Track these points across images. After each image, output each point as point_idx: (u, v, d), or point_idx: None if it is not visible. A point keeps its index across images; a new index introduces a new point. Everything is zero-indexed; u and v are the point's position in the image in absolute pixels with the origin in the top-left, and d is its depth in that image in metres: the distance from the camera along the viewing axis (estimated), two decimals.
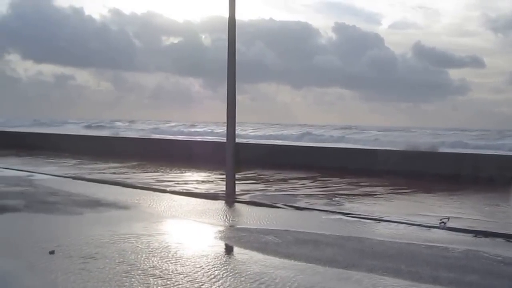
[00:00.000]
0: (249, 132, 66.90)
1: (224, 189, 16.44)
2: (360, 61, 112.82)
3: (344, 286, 7.75)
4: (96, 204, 14.30)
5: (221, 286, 7.45)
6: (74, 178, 20.16)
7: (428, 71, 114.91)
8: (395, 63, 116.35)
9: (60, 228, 11.16)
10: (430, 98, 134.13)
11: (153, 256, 8.94)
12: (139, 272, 7.97)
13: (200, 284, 7.50)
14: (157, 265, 8.40)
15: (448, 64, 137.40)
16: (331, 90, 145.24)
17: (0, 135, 42.30)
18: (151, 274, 7.87)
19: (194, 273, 8.02)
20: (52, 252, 8.90)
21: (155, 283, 7.47)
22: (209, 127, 72.92)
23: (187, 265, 8.45)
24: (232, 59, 15.70)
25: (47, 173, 21.24)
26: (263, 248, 9.84)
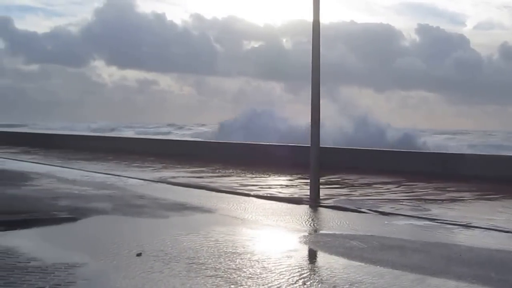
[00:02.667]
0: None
1: (308, 193, 16.33)
2: (444, 63, 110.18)
3: None
4: (181, 207, 14.48)
5: None
6: (159, 181, 20.53)
7: None
8: (481, 65, 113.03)
9: (147, 231, 11.33)
10: None
11: (236, 259, 8.96)
12: (222, 273, 7.99)
13: None
14: (242, 268, 8.40)
15: None
16: (415, 93, 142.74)
17: (84, 139, 43.69)
18: (234, 277, 7.87)
19: (279, 278, 7.97)
20: (139, 254, 9.04)
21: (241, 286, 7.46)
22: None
23: (271, 270, 8.40)
24: (316, 62, 15.61)
25: (133, 177, 21.70)
26: (348, 253, 9.69)
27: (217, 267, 8.44)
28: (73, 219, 12.28)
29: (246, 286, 7.50)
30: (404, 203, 15.76)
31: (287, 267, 8.58)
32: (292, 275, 8.11)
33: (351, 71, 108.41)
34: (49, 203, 14.24)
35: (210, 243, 10.13)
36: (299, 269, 8.50)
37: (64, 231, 11.34)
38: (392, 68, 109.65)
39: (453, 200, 16.69)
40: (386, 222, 13.09)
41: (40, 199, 14.97)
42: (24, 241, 10.00)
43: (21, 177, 20.83)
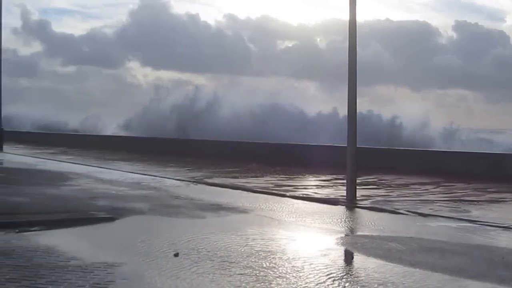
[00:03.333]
0: None
1: (345, 194, 16.22)
2: (483, 60, 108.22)
3: None
4: (217, 208, 14.50)
5: None
6: (195, 182, 20.61)
7: None
8: None
9: (184, 231, 11.35)
10: None
11: (272, 259, 8.92)
12: (260, 273, 7.96)
13: None
14: (274, 267, 8.37)
15: None
16: (453, 92, 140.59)
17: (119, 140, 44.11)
18: (270, 277, 7.84)
19: (315, 279, 7.91)
20: (176, 255, 9.06)
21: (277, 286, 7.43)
22: None
23: (307, 271, 8.35)
24: (353, 62, 15.51)
25: (169, 177, 21.82)
26: (386, 255, 9.58)
27: (251, 266, 8.42)
28: (111, 219, 12.37)
29: (275, 284, 7.47)
30: (443, 204, 15.57)
31: (323, 268, 8.51)
32: (328, 277, 8.04)
33: (387, 69, 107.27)
34: (87, 203, 14.38)
35: (244, 243, 10.12)
36: (335, 271, 8.43)
37: (102, 230, 11.43)
38: (429, 66, 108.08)
39: (493, 201, 16.44)
40: (424, 223, 12.92)
41: (79, 199, 15.13)
42: (64, 241, 10.11)
43: (60, 177, 21.10)
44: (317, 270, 8.37)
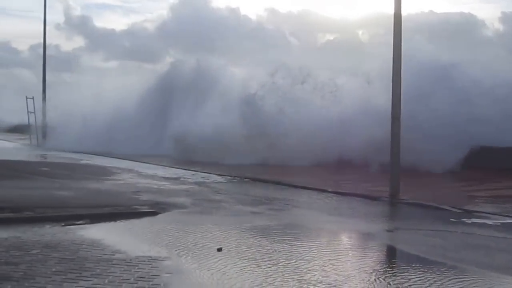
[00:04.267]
0: None
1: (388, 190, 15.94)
2: None
3: None
4: (259, 202, 14.55)
5: None
6: (236, 176, 20.61)
7: None
8: None
9: (226, 226, 11.40)
10: None
11: (314, 255, 8.91)
12: (289, 269, 7.95)
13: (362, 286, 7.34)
14: (314, 260, 8.35)
15: None
16: None
17: None
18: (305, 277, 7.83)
19: (357, 274, 7.87)
20: (219, 249, 9.10)
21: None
22: None
23: (349, 267, 8.32)
24: (398, 55, 15.27)
25: (209, 172, 21.81)
26: (428, 251, 9.48)
27: (279, 261, 8.42)
28: (153, 213, 12.48)
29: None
30: (486, 202, 15.31)
31: (365, 264, 8.47)
32: (370, 273, 7.99)
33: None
34: (130, 197, 14.53)
35: (285, 237, 10.14)
36: (377, 266, 8.38)
37: (146, 225, 11.53)
38: (474, 59, 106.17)
39: None
40: (464, 219, 12.70)
41: (122, 193, 15.30)
42: (108, 234, 10.23)
43: (104, 172, 21.36)
44: (360, 268, 8.34)
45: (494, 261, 8.93)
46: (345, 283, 7.40)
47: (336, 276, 7.75)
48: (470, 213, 13.39)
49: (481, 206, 14.33)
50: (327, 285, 7.28)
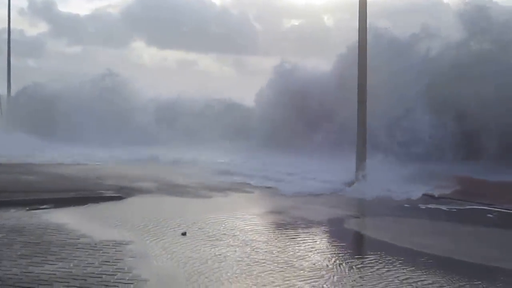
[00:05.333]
0: None
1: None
2: (487, 36, 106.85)
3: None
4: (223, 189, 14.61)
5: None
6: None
7: None
8: None
9: (190, 211, 11.42)
10: None
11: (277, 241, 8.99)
12: (252, 250, 8.02)
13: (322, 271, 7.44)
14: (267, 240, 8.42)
15: None
16: None
17: None
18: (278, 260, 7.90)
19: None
20: (184, 234, 9.12)
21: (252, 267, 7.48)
22: None
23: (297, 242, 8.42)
24: (363, 40, 15.34)
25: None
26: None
27: (245, 241, 8.48)
28: (118, 198, 12.45)
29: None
30: None
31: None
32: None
33: None
34: (95, 183, 14.45)
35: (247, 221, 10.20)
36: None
37: (111, 209, 11.49)
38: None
39: None
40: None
41: (87, 179, 15.20)
42: (73, 219, 10.19)
43: None
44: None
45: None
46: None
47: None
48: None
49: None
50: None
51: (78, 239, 8.55)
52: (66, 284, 6.43)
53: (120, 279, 6.68)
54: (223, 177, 16.59)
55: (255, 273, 7.03)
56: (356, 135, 15.81)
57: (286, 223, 10.46)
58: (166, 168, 18.90)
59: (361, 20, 15.38)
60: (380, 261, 7.73)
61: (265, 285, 6.53)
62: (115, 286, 6.42)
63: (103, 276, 6.77)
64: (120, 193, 12.94)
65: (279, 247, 8.45)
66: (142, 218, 10.36)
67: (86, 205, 11.62)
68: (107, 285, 6.43)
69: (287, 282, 6.67)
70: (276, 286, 6.53)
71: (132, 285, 6.45)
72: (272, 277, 6.87)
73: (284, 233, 9.66)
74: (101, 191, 13.05)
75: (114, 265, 7.23)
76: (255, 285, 6.57)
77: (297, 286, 6.53)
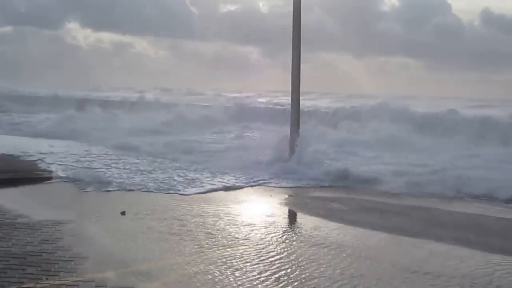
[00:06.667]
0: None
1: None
2: (424, 29, 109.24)
3: (413, 253, 7.73)
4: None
5: (287, 249, 7.54)
6: None
7: (498, 40, 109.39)
8: (462, 30, 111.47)
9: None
10: (501, 68, 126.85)
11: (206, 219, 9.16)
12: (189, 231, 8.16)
13: (268, 246, 7.62)
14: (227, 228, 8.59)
15: None
16: (395, 60, 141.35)
17: None
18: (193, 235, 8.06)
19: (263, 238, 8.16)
20: (123, 213, 9.17)
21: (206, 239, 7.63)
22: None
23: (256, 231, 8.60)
24: (297, 25, 15.52)
25: None
26: (329, 215, 9.90)
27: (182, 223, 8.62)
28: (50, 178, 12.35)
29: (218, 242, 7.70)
30: None
31: (271, 228, 8.78)
32: (275, 235, 8.30)
33: (330, 36, 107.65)
34: (30, 163, 14.25)
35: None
36: (282, 230, 8.72)
37: (48, 189, 11.41)
38: (371, 33, 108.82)
39: None
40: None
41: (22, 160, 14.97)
42: (9, 199, 10.07)
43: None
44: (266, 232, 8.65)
45: (389, 223, 9.45)
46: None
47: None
48: None
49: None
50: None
51: (16, 219, 8.49)
52: (6, 262, 6.43)
53: (60, 256, 6.71)
54: None
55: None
56: (290, 118, 15.99)
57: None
58: None
59: (295, 7, 15.56)
60: None
61: None
62: (55, 263, 6.46)
63: (43, 254, 6.79)
64: None
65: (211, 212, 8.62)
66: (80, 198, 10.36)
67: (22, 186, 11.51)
68: (47, 263, 6.46)
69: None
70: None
71: (72, 262, 6.51)
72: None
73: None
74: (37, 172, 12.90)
75: (54, 243, 7.26)
76: None
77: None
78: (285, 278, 6.35)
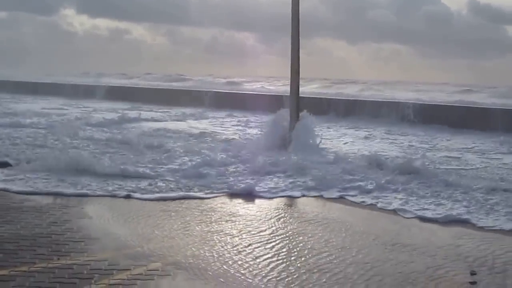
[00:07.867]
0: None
1: None
2: (415, 16, 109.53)
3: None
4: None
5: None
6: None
7: (484, 28, 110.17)
8: (451, 19, 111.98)
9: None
10: (488, 56, 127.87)
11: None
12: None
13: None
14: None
15: (505, 20, 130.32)
16: (387, 46, 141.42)
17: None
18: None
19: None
20: (127, 196, 9.28)
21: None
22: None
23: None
24: (295, 11, 15.53)
25: None
26: None
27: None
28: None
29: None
30: None
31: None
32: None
33: (324, 22, 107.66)
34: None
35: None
36: None
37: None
38: (364, 20, 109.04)
39: None
40: None
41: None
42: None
43: None
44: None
45: None
46: None
47: None
48: None
49: None
50: None
51: (22, 203, 8.58)
52: (16, 244, 6.53)
53: (70, 238, 6.83)
54: None
55: None
56: (289, 105, 16.00)
57: None
58: None
59: None
60: None
61: None
62: (65, 244, 6.57)
63: (53, 236, 6.90)
64: None
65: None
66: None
67: None
68: (57, 244, 6.57)
69: None
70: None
71: (83, 243, 6.62)
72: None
73: None
74: None
75: (63, 225, 7.37)
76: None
77: None
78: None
